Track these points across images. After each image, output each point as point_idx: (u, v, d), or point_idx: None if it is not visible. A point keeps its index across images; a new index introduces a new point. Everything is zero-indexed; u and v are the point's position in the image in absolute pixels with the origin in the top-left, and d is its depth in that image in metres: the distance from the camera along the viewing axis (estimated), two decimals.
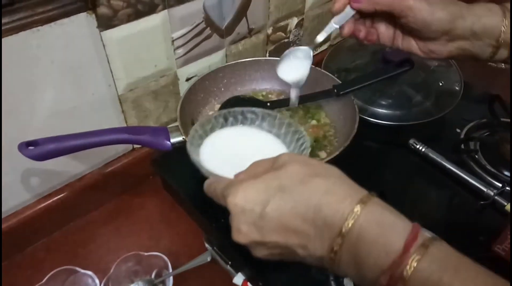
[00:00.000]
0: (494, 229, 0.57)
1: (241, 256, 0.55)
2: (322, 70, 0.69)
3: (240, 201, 0.33)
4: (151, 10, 0.55)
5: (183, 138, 0.54)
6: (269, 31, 0.77)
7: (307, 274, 0.53)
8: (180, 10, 0.59)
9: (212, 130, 0.47)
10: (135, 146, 0.69)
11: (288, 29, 0.80)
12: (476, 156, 0.68)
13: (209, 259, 0.59)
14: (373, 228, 0.30)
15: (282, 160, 0.35)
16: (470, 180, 0.63)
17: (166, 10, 0.57)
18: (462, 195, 0.63)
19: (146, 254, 0.57)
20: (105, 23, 0.52)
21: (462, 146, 0.70)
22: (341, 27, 0.52)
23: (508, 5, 0.49)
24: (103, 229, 0.65)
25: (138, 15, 0.54)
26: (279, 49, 0.81)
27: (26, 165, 0.56)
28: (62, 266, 0.55)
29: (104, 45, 0.54)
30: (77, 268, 0.56)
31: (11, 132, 0.51)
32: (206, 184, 0.41)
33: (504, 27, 0.47)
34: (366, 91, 0.73)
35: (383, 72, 0.68)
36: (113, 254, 0.60)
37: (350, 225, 0.30)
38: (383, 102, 0.74)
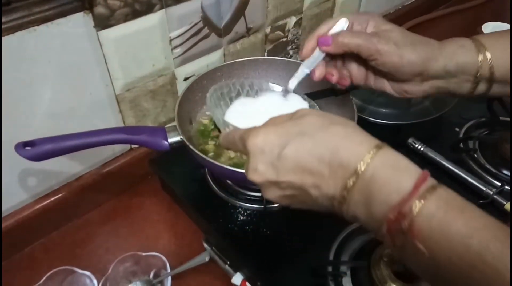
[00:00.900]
0: None
1: (239, 256, 0.55)
2: None
3: (261, 142, 0.35)
4: (148, 9, 0.55)
5: (180, 138, 0.54)
6: (267, 30, 0.76)
7: (306, 274, 0.53)
8: (177, 10, 0.58)
9: (228, 94, 0.54)
10: (133, 146, 0.68)
11: (287, 28, 0.80)
12: (475, 155, 0.68)
13: (207, 259, 0.58)
14: (386, 169, 0.32)
15: (301, 112, 0.37)
16: (469, 179, 0.63)
17: (163, 10, 0.57)
18: (461, 194, 0.62)
19: (144, 254, 0.57)
20: (102, 23, 0.52)
21: (461, 145, 0.70)
22: (312, 72, 0.51)
23: (482, 38, 0.48)
24: (101, 229, 0.65)
25: (135, 14, 0.54)
26: (278, 48, 0.81)
27: (23, 165, 0.56)
28: (60, 266, 0.55)
29: (101, 45, 0.53)
30: (75, 268, 0.55)
31: (8, 132, 0.51)
32: (223, 134, 0.42)
33: (480, 62, 0.46)
34: (365, 90, 0.72)
35: None
36: (111, 254, 0.60)
37: (365, 165, 0.32)
38: (382, 101, 0.74)
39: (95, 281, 0.55)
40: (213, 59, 0.70)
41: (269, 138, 0.35)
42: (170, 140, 0.54)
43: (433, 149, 0.68)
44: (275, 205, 0.60)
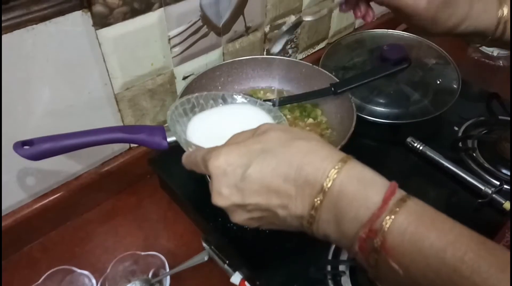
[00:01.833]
0: (492, 227, 0.57)
1: (238, 255, 0.55)
2: (320, 68, 0.69)
3: (222, 164, 0.33)
4: (147, 8, 0.55)
5: None
6: (267, 29, 0.76)
7: (305, 273, 0.52)
8: (176, 8, 0.58)
9: (191, 110, 0.50)
10: (132, 145, 0.68)
11: None
12: (474, 154, 0.68)
13: (206, 258, 0.58)
14: (353, 184, 0.31)
15: (264, 128, 0.36)
16: (468, 178, 0.63)
17: (162, 8, 0.57)
18: (460, 193, 0.63)
19: (143, 253, 0.56)
20: (101, 22, 0.52)
21: (460, 144, 0.70)
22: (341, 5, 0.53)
23: None
24: (99, 229, 0.65)
25: (134, 13, 0.54)
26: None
27: (22, 165, 0.56)
28: (59, 265, 0.55)
29: (99, 44, 0.53)
30: (74, 268, 0.55)
31: (6, 131, 0.51)
32: (185, 155, 0.41)
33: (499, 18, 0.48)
34: (364, 89, 0.73)
35: (380, 70, 0.68)
36: (110, 253, 0.60)
37: (331, 181, 0.31)
38: (381, 100, 0.74)
39: (94, 281, 0.55)
40: (212, 58, 0.70)
41: (231, 158, 0.33)
42: (169, 139, 0.53)
43: (432, 148, 0.68)
44: None
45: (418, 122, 0.69)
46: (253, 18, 0.71)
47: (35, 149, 0.48)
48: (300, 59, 0.86)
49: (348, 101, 0.62)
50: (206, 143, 0.39)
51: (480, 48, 0.97)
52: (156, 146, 0.53)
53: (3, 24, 0.44)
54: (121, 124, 0.64)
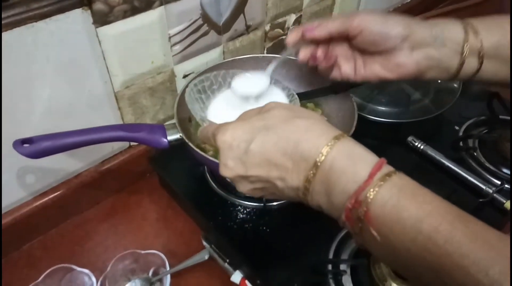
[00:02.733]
0: (493, 227, 0.57)
1: (239, 254, 0.55)
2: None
3: (228, 138, 0.37)
4: (147, 6, 0.55)
5: (180, 136, 0.53)
6: (267, 28, 0.76)
7: (306, 272, 0.52)
8: (177, 6, 0.58)
9: (210, 87, 0.54)
10: (132, 143, 0.68)
11: (286, 26, 0.80)
12: (475, 154, 0.68)
13: (206, 257, 0.58)
14: (343, 159, 0.33)
15: (269, 106, 0.39)
16: (469, 178, 0.63)
17: (162, 6, 0.57)
18: (460, 192, 0.63)
19: (143, 252, 0.56)
20: (101, 19, 0.51)
21: (461, 144, 0.70)
22: (297, 54, 0.52)
23: (470, 20, 0.48)
24: (99, 227, 0.65)
25: (134, 11, 0.54)
26: (277, 46, 0.81)
27: (21, 163, 0.56)
28: (59, 264, 0.55)
29: (100, 42, 0.53)
30: (74, 266, 0.55)
31: (6, 130, 0.51)
32: (201, 129, 0.45)
33: (465, 34, 0.47)
34: (365, 89, 0.72)
35: None
36: (110, 252, 0.60)
37: (323, 157, 0.34)
38: (382, 100, 0.73)
39: (94, 279, 0.55)
40: (212, 56, 0.69)
41: (236, 134, 0.37)
42: (170, 137, 0.53)
43: (432, 148, 0.68)
44: (275, 203, 0.60)
45: (419, 121, 0.69)
46: (253, 16, 0.71)
47: (35, 147, 0.48)
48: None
49: (349, 100, 0.62)
50: (223, 120, 0.41)
51: None
52: (157, 144, 0.53)
53: (3, 22, 0.44)
54: (121, 122, 0.63)
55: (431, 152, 0.67)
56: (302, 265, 0.53)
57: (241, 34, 0.72)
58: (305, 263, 0.53)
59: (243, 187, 0.39)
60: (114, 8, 0.52)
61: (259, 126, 0.36)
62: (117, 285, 0.55)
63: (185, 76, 0.68)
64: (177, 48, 0.63)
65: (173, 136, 0.54)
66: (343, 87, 0.62)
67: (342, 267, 0.52)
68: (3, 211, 0.58)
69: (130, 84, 0.60)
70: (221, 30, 0.67)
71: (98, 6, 0.50)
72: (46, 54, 0.49)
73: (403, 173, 0.33)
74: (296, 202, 0.38)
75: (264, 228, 0.57)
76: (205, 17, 0.63)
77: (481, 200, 0.61)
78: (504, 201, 0.60)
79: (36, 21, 0.46)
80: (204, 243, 0.60)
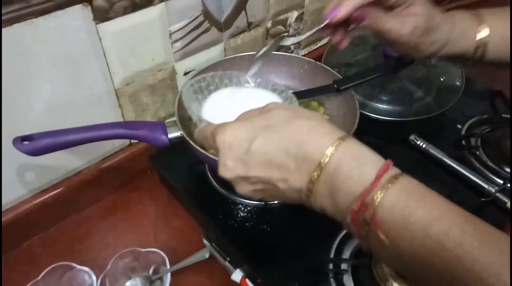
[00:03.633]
0: (495, 226, 0.56)
1: (240, 252, 0.55)
2: (322, 65, 0.68)
3: (228, 138, 0.36)
4: (148, 2, 0.54)
5: (181, 133, 0.53)
6: (269, 24, 0.76)
7: (306, 271, 0.52)
8: (178, 3, 0.58)
9: (207, 88, 0.52)
10: (132, 141, 0.68)
11: (288, 22, 0.79)
12: (477, 153, 0.67)
13: (207, 255, 0.58)
14: (349, 160, 0.33)
15: (270, 106, 0.38)
16: (471, 177, 0.63)
17: (163, 3, 0.56)
18: (463, 191, 0.63)
19: (143, 250, 0.56)
20: (101, 16, 0.51)
21: (463, 142, 0.69)
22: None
23: (482, 11, 0.51)
24: (100, 225, 0.64)
25: (135, 7, 0.53)
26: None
27: (21, 160, 0.55)
28: (59, 262, 0.55)
29: (100, 38, 0.53)
30: (74, 264, 0.55)
31: (6, 127, 0.51)
32: (198, 129, 0.43)
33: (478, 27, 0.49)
34: (367, 86, 0.72)
35: (383, 67, 0.67)
36: (110, 250, 0.60)
37: (328, 158, 0.33)
38: (384, 98, 0.73)
39: (94, 277, 0.55)
40: (213, 53, 0.69)
41: (237, 133, 0.36)
42: (170, 135, 0.53)
43: (435, 146, 0.67)
44: (276, 202, 0.60)
45: (421, 120, 0.69)
46: (255, 13, 0.71)
47: (35, 144, 0.48)
48: (303, 55, 0.85)
49: (351, 98, 0.62)
50: (219, 120, 0.41)
51: None
52: (157, 142, 0.53)
53: (2, 18, 0.44)
54: (121, 119, 0.63)
55: (433, 150, 0.67)
56: (303, 264, 0.53)
57: (243, 31, 0.71)
58: (306, 262, 0.53)
59: (243, 189, 0.38)
60: (115, 4, 0.51)
61: (260, 125, 0.35)
62: (117, 283, 0.55)
63: (186, 74, 0.67)
64: (178, 45, 0.62)
65: (173, 134, 0.53)
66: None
67: (343, 266, 0.52)
68: (3, 209, 0.57)
69: (130, 81, 0.60)
70: (223, 27, 0.67)
71: (99, 2, 0.50)
72: (46, 50, 0.49)
73: (409, 175, 0.32)
74: (297, 204, 0.37)
75: (265, 226, 0.57)
76: (206, 14, 0.63)
77: (483, 199, 0.61)
78: (507, 201, 0.59)
79: (35, 17, 0.46)
80: (205, 241, 0.60)
